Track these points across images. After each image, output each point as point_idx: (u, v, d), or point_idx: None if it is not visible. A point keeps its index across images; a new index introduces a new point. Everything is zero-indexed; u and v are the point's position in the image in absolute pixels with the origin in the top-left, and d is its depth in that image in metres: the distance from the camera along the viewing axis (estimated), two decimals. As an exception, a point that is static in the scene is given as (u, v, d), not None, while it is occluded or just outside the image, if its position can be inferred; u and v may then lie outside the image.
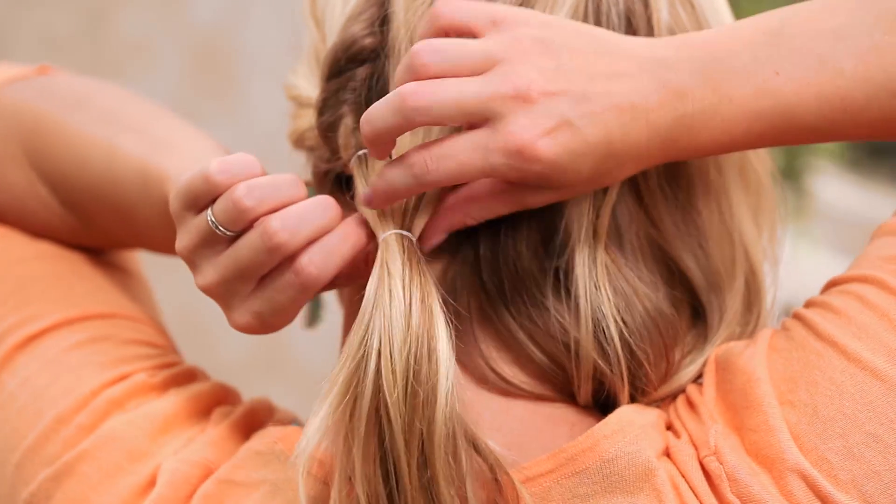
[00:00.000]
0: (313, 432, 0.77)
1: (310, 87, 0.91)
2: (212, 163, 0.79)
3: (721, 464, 0.80)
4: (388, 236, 0.80)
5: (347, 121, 0.85)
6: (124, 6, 2.34)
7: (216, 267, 0.80)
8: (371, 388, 0.76)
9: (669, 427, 0.83)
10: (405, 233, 0.80)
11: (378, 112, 0.78)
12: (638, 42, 0.80)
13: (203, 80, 2.32)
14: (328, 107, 0.86)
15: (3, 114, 0.99)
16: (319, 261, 0.79)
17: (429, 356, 0.76)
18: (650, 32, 0.85)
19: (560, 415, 0.84)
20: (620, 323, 0.83)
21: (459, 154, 0.78)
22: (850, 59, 0.80)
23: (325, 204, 0.80)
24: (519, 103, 0.77)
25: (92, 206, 0.94)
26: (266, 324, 0.81)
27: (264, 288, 0.80)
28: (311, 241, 0.79)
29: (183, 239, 0.81)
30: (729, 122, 0.81)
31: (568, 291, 0.83)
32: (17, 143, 0.97)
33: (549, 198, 0.81)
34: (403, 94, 0.77)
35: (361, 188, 0.82)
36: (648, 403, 0.85)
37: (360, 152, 0.83)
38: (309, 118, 0.89)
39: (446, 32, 0.80)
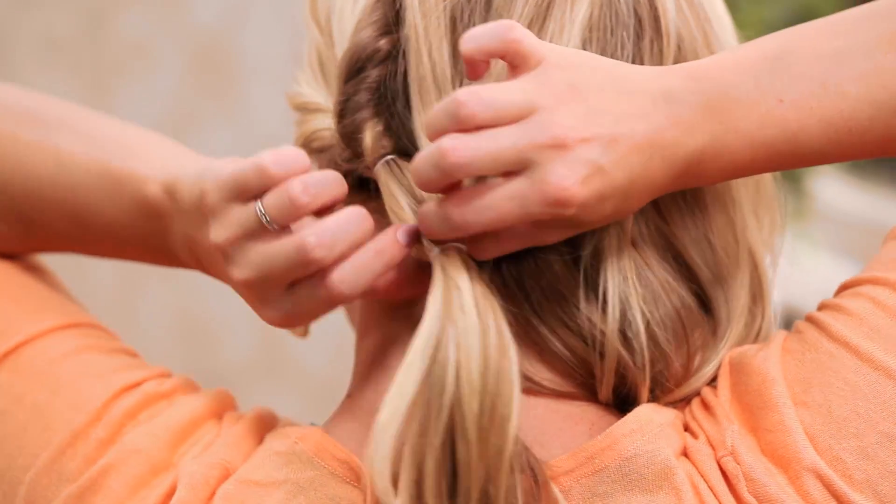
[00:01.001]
0: (384, 445, 0.75)
1: (314, 92, 0.91)
2: (266, 155, 0.80)
3: (738, 464, 0.81)
4: (449, 249, 0.81)
5: (372, 124, 0.86)
6: (125, 7, 2.34)
7: (252, 265, 0.81)
8: (449, 404, 0.75)
9: (686, 428, 0.84)
10: (461, 245, 0.81)
11: (421, 165, 0.79)
12: (648, 74, 0.81)
13: (203, 81, 2.32)
14: (349, 110, 0.87)
15: None
16: (351, 279, 0.80)
17: (503, 372, 0.76)
18: (657, 29, 0.86)
19: (580, 413, 0.84)
20: (647, 314, 0.84)
21: (499, 206, 0.78)
22: (852, 82, 0.81)
23: (360, 217, 0.80)
24: (556, 151, 0.78)
25: (34, 213, 0.94)
26: (294, 321, 0.82)
27: (295, 292, 0.81)
28: (344, 256, 0.80)
29: (222, 231, 0.82)
30: (735, 152, 0.82)
31: (595, 284, 0.83)
32: None
33: (567, 234, 0.82)
34: (444, 151, 0.78)
35: (397, 194, 0.83)
36: (667, 404, 0.85)
37: (388, 157, 0.84)
38: (316, 122, 0.90)
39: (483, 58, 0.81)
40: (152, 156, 0.91)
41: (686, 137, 0.80)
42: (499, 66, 0.84)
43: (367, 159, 0.85)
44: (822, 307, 0.85)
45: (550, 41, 0.84)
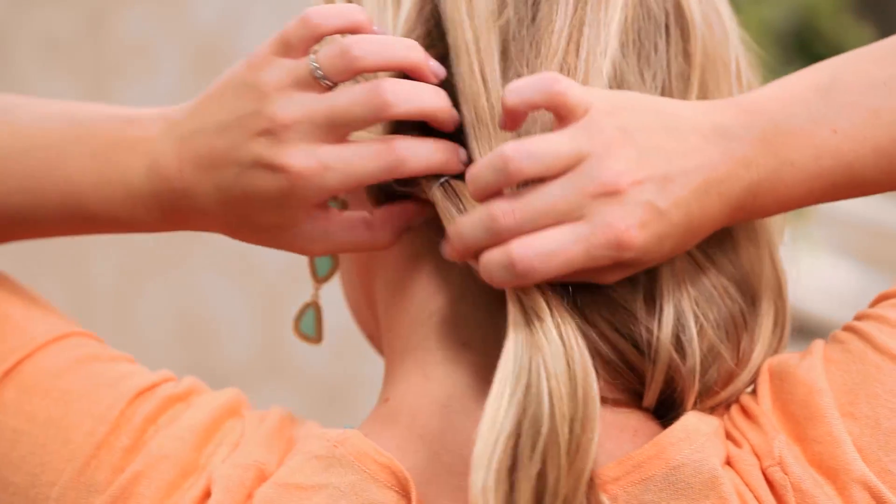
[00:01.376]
0: (481, 476, 0.75)
1: None
2: (308, 9, 0.82)
3: (786, 474, 0.81)
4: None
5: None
6: (125, 7, 2.34)
7: (303, 105, 0.81)
8: (546, 434, 0.76)
9: (727, 436, 0.84)
10: None
11: (469, 228, 0.79)
12: (697, 110, 0.81)
13: (203, 82, 2.31)
14: (399, 130, 0.86)
15: None
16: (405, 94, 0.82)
17: (589, 394, 0.77)
18: (684, 28, 0.86)
19: (624, 420, 0.84)
20: (701, 318, 0.84)
21: (564, 252, 0.78)
22: None
23: (437, 90, 0.81)
24: (610, 197, 0.78)
25: None
26: (325, 172, 0.82)
27: (349, 144, 0.81)
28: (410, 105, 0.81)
29: (269, 73, 0.83)
30: (791, 185, 0.82)
31: (649, 290, 0.83)
32: None
33: (626, 274, 0.82)
34: (495, 215, 0.78)
35: (456, 217, 0.82)
36: (704, 409, 0.85)
37: (443, 179, 0.84)
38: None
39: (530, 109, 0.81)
40: (122, 111, 0.92)
41: (742, 172, 0.81)
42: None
43: (421, 181, 0.85)
44: (863, 317, 0.85)
45: (588, 50, 0.84)
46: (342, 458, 0.83)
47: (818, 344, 0.85)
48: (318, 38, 0.83)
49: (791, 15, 2.54)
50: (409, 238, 0.87)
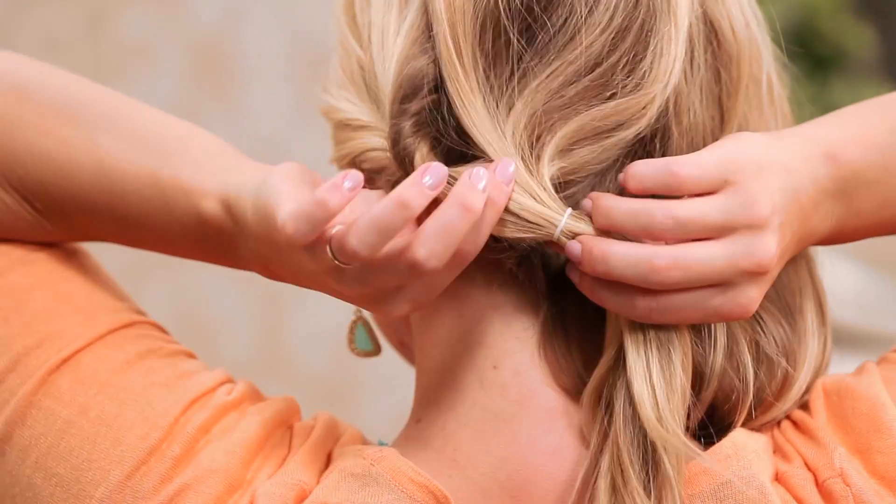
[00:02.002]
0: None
1: (356, 108, 0.89)
2: (322, 192, 0.78)
3: (848, 486, 0.82)
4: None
5: (423, 150, 0.84)
6: (125, 8, 2.33)
7: (356, 286, 0.80)
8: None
9: (776, 451, 0.85)
10: None
11: (622, 263, 0.80)
12: (801, 155, 0.82)
13: (203, 82, 2.31)
14: (404, 135, 0.85)
15: None
16: (473, 240, 0.79)
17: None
18: (723, 37, 0.86)
19: None
20: (752, 344, 0.85)
21: (685, 311, 0.80)
22: None
23: (466, 207, 0.78)
24: (755, 277, 0.80)
25: (80, 215, 0.90)
26: (422, 305, 0.82)
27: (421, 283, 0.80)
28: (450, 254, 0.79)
29: (313, 267, 0.81)
30: (850, 232, 0.85)
31: (707, 326, 0.84)
32: None
33: None
34: (657, 268, 0.79)
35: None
36: (753, 427, 0.86)
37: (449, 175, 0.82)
38: (364, 140, 0.88)
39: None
40: (204, 163, 0.87)
41: (821, 225, 0.83)
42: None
43: None
44: None
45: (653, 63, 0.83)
46: (378, 477, 0.82)
47: (871, 364, 0.87)
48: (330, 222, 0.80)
49: (791, 14, 2.54)
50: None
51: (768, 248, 0.79)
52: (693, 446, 0.80)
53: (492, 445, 0.84)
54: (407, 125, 0.84)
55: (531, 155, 0.82)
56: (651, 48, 0.82)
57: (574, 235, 0.81)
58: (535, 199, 0.81)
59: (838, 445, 0.83)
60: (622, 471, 0.80)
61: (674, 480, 0.79)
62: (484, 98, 0.83)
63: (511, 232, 0.82)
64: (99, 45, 2.34)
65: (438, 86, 0.84)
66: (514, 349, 0.85)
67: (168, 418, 0.85)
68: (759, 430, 0.86)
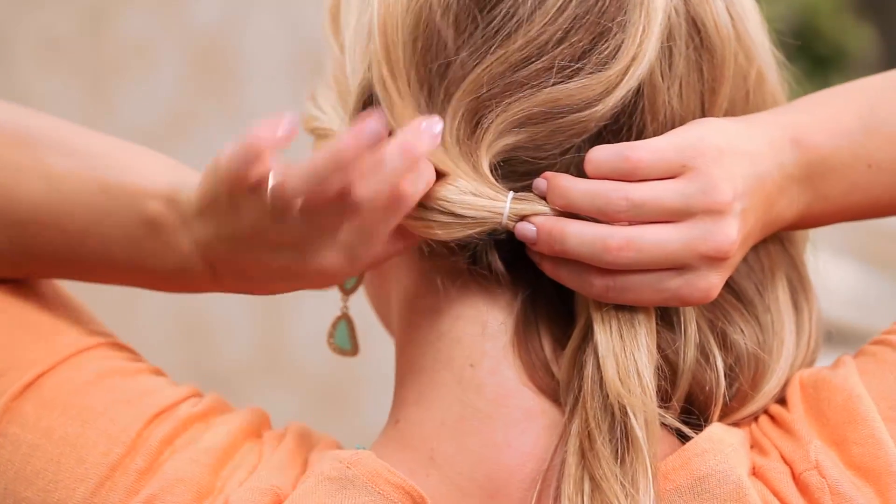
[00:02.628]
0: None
1: (326, 117, 0.90)
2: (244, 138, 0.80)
3: (823, 477, 0.82)
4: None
5: None
6: (125, 7, 2.33)
7: (286, 230, 0.81)
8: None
9: (753, 446, 0.85)
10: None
11: (577, 240, 0.81)
12: (766, 140, 0.82)
13: (203, 82, 2.31)
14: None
15: None
16: (412, 181, 0.80)
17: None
18: (707, 34, 0.85)
19: None
20: (720, 340, 0.85)
21: (643, 293, 0.81)
22: None
23: (405, 149, 0.79)
24: (714, 263, 0.80)
25: (28, 238, 0.89)
26: (355, 258, 0.81)
27: (354, 225, 0.80)
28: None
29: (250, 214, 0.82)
30: (818, 217, 0.85)
31: (675, 311, 0.84)
32: None
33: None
34: (609, 247, 0.80)
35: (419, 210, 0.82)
36: (730, 422, 0.86)
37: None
38: None
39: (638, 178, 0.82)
40: (149, 170, 0.88)
41: (786, 211, 0.83)
42: None
43: None
44: (892, 332, 0.86)
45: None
46: (355, 480, 0.82)
47: (847, 357, 0.86)
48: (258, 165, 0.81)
49: (791, 15, 2.54)
50: (419, 261, 0.87)
51: (728, 233, 0.79)
52: (657, 407, 0.80)
53: (469, 445, 0.84)
54: None
55: (469, 151, 0.83)
56: (613, 36, 0.82)
57: (521, 217, 0.82)
58: (474, 194, 0.82)
59: (814, 438, 0.83)
60: (589, 434, 0.80)
61: (642, 441, 0.79)
62: (417, 102, 0.83)
63: (459, 232, 0.82)
64: (99, 46, 2.34)
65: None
66: (490, 347, 0.85)
67: (130, 433, 0.85)
68: (737, 425, 0.86)
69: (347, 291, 0.94)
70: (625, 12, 0.82)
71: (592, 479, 0.80)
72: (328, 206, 0.79)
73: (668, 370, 0.84)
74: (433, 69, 0.83)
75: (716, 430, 0.83)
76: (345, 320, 0.95)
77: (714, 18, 0.85)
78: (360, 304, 0.97)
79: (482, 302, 0.85)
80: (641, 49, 0.82)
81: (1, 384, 0.87)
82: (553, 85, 0.81)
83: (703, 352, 0.84)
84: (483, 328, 0.85)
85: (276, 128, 0.78)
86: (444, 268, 0.86)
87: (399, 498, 0.82)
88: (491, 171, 0.83)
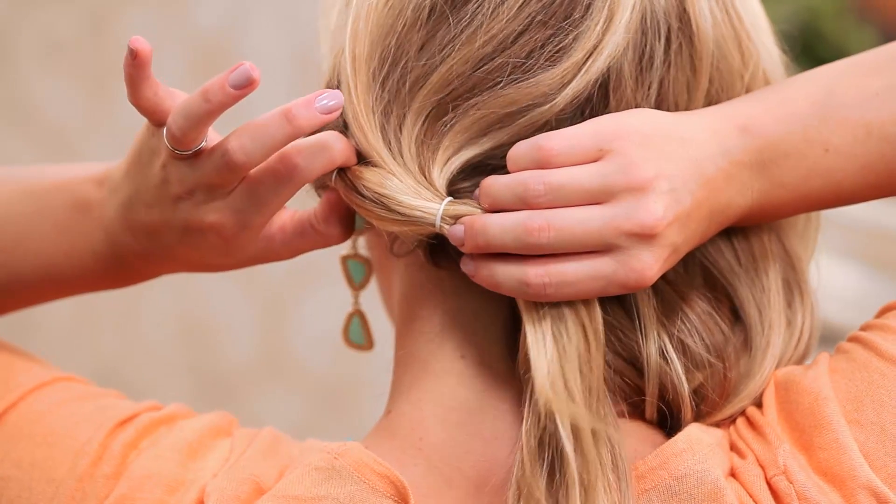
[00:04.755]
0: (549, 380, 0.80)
1: None
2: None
3: (791, 482, 0.81)
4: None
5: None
6: (126, 9, 2.33)
7: (184, 177, 0.84)
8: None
9: (732, 448, 0.84)
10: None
11: (499, 231, 0.80)
12: (705, 128, 0.82)
13: (204, 83, 2.31)
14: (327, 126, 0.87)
15: None
16: (308, 156, 0.83)
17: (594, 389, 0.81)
18: (689, 35, 0.85)
19: (626, 432, 0.84)
20: (682, 344, 0.85)
21: (581, 283, 0.80)
22: (894, 124, 0.83)
23: (286, 117, 0.82)
24: (644, 240, 0.79)
25: None
26: (244, 223, 0.84)
27: (246, 186, 0.84)
28: (273, 153, 0.82)
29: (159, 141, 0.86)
30: (779, 206, 0.84)
31: (633, 317, 0.84)
32: None
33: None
34: (530, 229, 0.79)
35: (356, 198, 0.84)
36: (710, 423, 0.86)
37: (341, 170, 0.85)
38: None
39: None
40: (84, 168, 0.92)
41: (739, 198, 0.82)
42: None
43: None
44: (867, 328, 0.86)
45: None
46: (341, 470, 0.83)
47: (823, 356, 0.86)
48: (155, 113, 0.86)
49: (793, 17, 2.54)
50: (413, 256, 0.88)
51: (652, 209, 0.79)
52: (588, 414, 0.79)
53: (457, 436, 0.84)
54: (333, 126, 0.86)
55: (425, 152, 0.83)
56: (572, 29, 0.82)
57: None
58: (412, 195, 0.82)
59: (783, 442, 0.83)
60: (527, 441, 0.80)
61: (569, 453, 0.78)
62: (373, 107, 0.84)
63: (394, 227, 0.83)
64: (100, 48, 2.34)
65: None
66: (480, 340, 0.86)
67: (94, 444, 0.86)
68: (717, 425, 0.86)
69: (357, 287, 0.95)
70: (586, 7, 0.82)
71: (526, 492, 0.80)
72: (209, 158, 0.82)
73: (632, 372, 0.84)
74: (401, 64, 0.84)
75: (693, 431, 0.83)
76: (357, 315, 0.96)
77: (697, 21, 0.85)
78: (364, 305, 0.98)
79: (474, 295, 0.86)
80: (602, 41, 0.82)
81: None
82: (512, 83, 0.82)
83: (664, 354, 0.84)
84: (474, 321, 0.86)
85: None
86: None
87: (384, 487, 0.82)
88: (455, 176, 0.84)
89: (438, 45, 0.83)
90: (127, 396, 0.93)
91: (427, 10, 0.83)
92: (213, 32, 2.31)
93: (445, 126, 0.83)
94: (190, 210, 0.84)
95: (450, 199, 0.82)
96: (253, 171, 0.84)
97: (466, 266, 0.82)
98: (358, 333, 0.97)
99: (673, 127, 0.81)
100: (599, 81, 0.83)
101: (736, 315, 0.88)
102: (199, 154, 0.84)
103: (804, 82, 0.84)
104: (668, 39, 0.85)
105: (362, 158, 0.85)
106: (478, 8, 0.82)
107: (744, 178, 0.82)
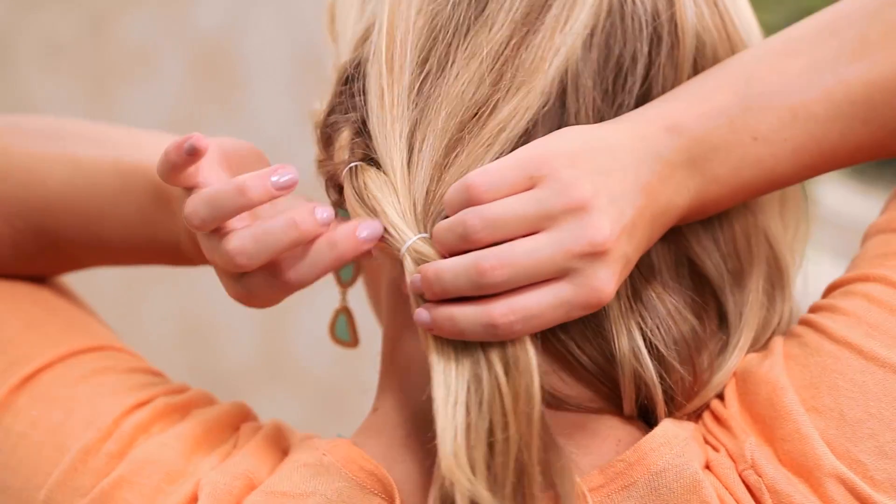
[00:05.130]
0: (451, 436, 0.77)
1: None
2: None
3: (760, 476, 0.81)
4: None
5: (345, 133, 0.86)
6: (127, 11, 2.33)
7: (205, 251, 0.82)
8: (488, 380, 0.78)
9: (705, 441, 0.84)
10: None
11: (452, 276, 0.78)
12: (631, 134, 0.81)
13: (205, 86, 2.31)
14: (329, 119, 0.87)
15: None
16: (302, 269, 0.81)
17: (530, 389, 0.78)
18: (675, 35, 0.85)
19: (607, 429, 0.85)
20: (653, 339, 0.84)
21: (546, 313, 0.78)
22: (819, 102, 0.82)
23: (291, 224, 0.80)
24: (597, 258, 0.78)
25: (53, 223, 0.95)
26: (253, 302, 0.83)
27: (249, 279, 0.82)
28: (277, 256, 0.80)
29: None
30: (717, 199, 0.83)
31: (606, 311, 0.84)
32: None
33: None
34: (483, 270, 0.77)
35: (352, 201, 0.83)
36: (681, 418, 0.85)
37: (353, 164, 0.84)
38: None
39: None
40: (145, 140, 0.93)
41: (676, 198, 0.82)
42: None
43: (334, 161, 0.86)
44: (816, 309, 0.85)
45: (534, 49, 0.83)
46: (330, 466, 0.83)
47: (777, 341, 0.86)
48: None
49: (792, 19, 2.54)
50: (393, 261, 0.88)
51: (598, 226, 0.78)
52: (492, 500, 0.76)
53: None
54: (338, 105, 0.87)
55: (432, 180, 0.83)
56: (529, 52, 0.83)
57: (421, 260, 0.81)
58: (398, 218, 0.82)
59: (749, 435, 0.82)
60: (434, 487, 0.78)
61: None
62: (397, 104, 0.84)
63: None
64: (101, 50, 2.34)
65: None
66: None
67: (107, 420, 0.87)
68: (689, 418, 0.86)
69: (345, 284, 0.95)
70: (533, 32, 0.83)
71: None
72: (213, 247, 0.81)
73: (607, 368, 0.84)
74: (429, 70, 0.84)
75: (668, 426, 0.83)
76: (344, 312, 0.96)
77: (682, 25, 0.85)
78: (364, 304, 0.98)
79: None
80: (541, 61, 0.83)
81: (4, 376, 0.90)
82: (495, 109, 0.83)
83: (636, 353, 0.83)
84: None
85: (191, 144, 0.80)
86: None
87: (371, 484, 0.83)
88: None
89: (460, 60, 0.84)
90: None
91: (455, 22, 0.83)
92: (214, 34, 2.32)
93: (451, 164, 0.83)
94: (217, 273, 0.84)
95: (420, 236, 0.81)
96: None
97: (421, 317, 0.80)
98: (344, 330, 0.97)
99: (600, 140, 0.80)
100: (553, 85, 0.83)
101: (721, 315, 0.88)
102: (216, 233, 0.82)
103: (724, 73, 0.84)
104: (651, 41, 0.85)
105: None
106: (486, 24, 0.83)
107: (678, 177, 0.81)
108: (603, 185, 0.78)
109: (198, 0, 2.32)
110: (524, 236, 0.78)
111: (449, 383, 0.78)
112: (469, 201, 0.79)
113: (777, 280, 0.89)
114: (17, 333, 0.92)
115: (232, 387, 2.25)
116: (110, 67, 2.33)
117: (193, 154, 0.80)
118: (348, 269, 0.95)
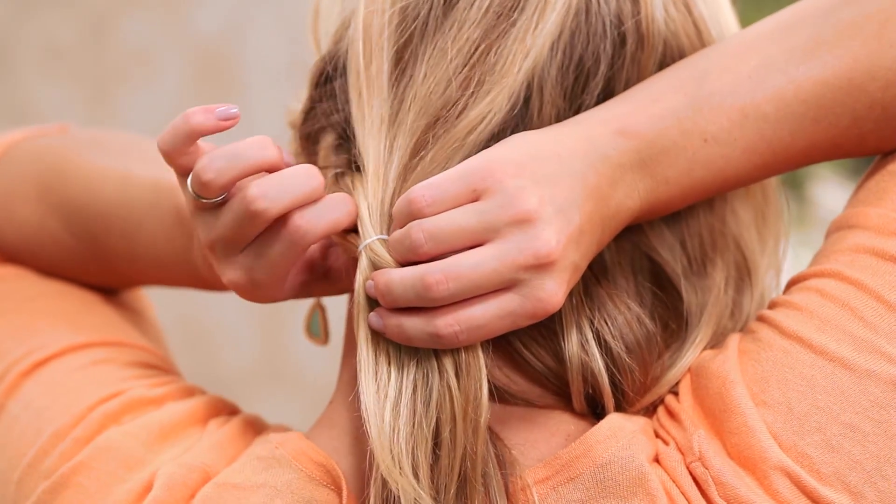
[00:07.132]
0: (387, 440, 0.79)
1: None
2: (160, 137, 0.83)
3: (707, 468, 0.81)
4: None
5: (329, 137, 0.87)
6: (127, 14, 2.34)
7: (209, 230, 0.82)
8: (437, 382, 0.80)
9: (656, 435, 0.84)
10: None
11: (400, 288, 0.79)
12: (580, 137, 0.81)
13: (205, 89, 2.32)
14: (310, 117, 0.88)
15: (23, 158, 1.01)
16: (312, 217, 0.81)
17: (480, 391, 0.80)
18: (640, 37, 0.85)
19: (556, 424, 0.85)
20: (605, 341, 0.84)
21: (491, 324, 0.79)
22: (770, 102, 0.82)
23: (307, 172, 0.81)
24: (543, 269, 0.78)
25: (101, 230, 0.97)
26: (256, 282, 0.83)
27: (253, 247, 0.82)
28: (295, 207, 0.80)
29: (186, 206, 0.85)
30: (669, 201, 0.83)
31: (557, 315, 0.84)
32: (32, 182, 1.00)
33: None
34: (429, 284, 0.78)
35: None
36: (635, 413, 0.86)
37: (337, 170, 0.85)
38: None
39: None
40: None
41: (627, 200, 0.82)
42: None
43: (324, 171, 0.86)
44: (773, 305, 0.85)
45: (511, 55, 0.83)
46: (281, 458, 0.84)
47: (733, 338, 0.86)
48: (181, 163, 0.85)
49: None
50: None
51: (544, 238, 0.78)
52: (413, 484, 0.78)
53: None
54: (316, 106, 0.88)
55: (400, 178, 0.84)
56: (500, 55, 0.83)
57: (377, 267, 0.82)
58: (367, 212, 0.83)
59: (698, 428, 0.82)
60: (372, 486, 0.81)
61: None
62: (380, 98, 0.84)
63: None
64: (101, 53, 2.34)
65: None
66: None
67: (81, 406, 0.88)
68: (640, 413, 0.86)
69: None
70: (503, 35, 0.83)
71: None
72: (230, 208, 0.81)
73: (555, 364, 0.84)
74: (403, 68, 0.84)
75: (615, 419, 0.83)
76: (318, 309, 0.97)
77: (650, 26, 0.85)
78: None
79: None
80: (509, 64, 0.83)
81: (20, 363, 0.92)
82: (464, 111, 0.83)
83: (583, 347, 0.84)
84: None
85: (210, 111, 0.81)
86: None
87: (320, 476, 0.84)
88: None
89: (432, 57, 0.84)
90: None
91: (423, 19, 0.84)
92: (214, 37, 2.32)
93: (421, 163, 0.83)
94: (217, 265, 0.84)
95: (383, 237, 0.82)
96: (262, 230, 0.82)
97: (373, 322, 0.81)
98: (316, 326, 0.97)
99: (547, 146, 0.80)
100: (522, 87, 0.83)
101: (681, 312, 0.87)
102: (222, 205, 0.82)
103: (676, 74, 0.84)
104: (614, 43, 0.84)
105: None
106: (454, 25, 0.83)
107: (628, 180, 0.81)
108: (549, 195, 0.78)
109: (198, 4, 2.32)
110: (470, 248, 0.78)
111: (391, 381, 0.80)
112: (412, 215, 0.80)
113: (744, 279, 0.89)
114: (48, 325, 0.94)
115: (231, 391, 2.24)
116: (110, 71, 2.33)
117: (229, 119, 0.81)
118: (316, 322, 0.96)
